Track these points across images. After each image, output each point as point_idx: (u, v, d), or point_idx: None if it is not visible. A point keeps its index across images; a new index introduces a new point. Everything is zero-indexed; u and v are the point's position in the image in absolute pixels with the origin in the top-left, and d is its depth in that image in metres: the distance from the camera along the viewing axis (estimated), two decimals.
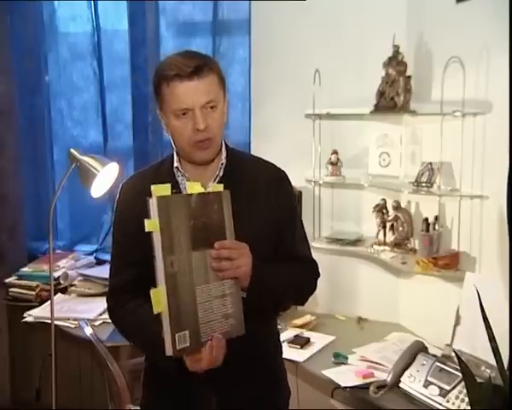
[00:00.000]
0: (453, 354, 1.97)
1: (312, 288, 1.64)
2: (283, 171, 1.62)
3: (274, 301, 1.54)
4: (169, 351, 1.29)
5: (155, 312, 1.28)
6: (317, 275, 1.65)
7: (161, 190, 1.31)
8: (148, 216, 1.30)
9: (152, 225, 1.28)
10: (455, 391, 1.86)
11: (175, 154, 1.54)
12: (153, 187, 1.31)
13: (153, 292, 1.28)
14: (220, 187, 1.39)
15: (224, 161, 1.54)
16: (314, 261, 1.65)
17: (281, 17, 2.80)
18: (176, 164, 1.52)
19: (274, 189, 1.56)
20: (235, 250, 1.37)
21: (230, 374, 1.45)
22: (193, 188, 1.37)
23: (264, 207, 1.52)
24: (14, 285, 3.21)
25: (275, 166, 1.62)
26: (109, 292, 1.59)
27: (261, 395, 1.55)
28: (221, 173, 1.53)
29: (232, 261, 1.36)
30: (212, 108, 1.43)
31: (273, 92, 2.86)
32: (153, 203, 1.28)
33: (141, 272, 1.43)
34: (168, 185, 1.33)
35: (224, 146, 1.55)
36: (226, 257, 1.35)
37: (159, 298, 1.28)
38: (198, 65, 1.41)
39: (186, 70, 1.40)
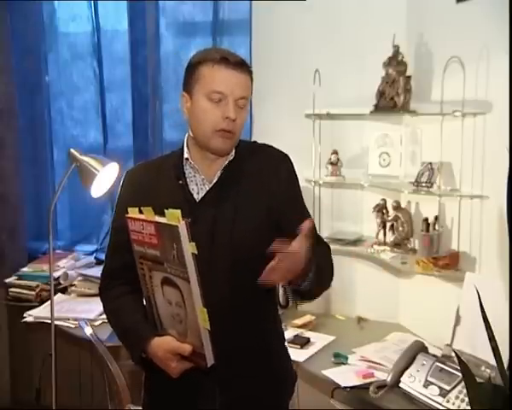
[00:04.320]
0: (453, 354, 1.98)
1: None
2: (286, 155, 1.61)
3: (320, 285, 1.53)
4: (211, 360, 1.36)
5: (205, 328, 1.33)
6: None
7: (173, 215, 1.30)
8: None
9: (192, 247, 1.30)
10: (455, 391, 1.86)
11: (185, 145, 1.55)
12: (166, 212, 1.31)
13: (201, 310, 1.32)
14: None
15: (232, 154, 1.55)
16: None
17: (281, 17, 2.81)
18: (186, 155, 1.54)
19: (276, 174, 1.56)
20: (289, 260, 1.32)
21: (233, 370, 1.46)
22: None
23: (266, 194, 1.53)
24: (14, 285, 3.21)
25: (278, 151, 1.62)
26: (102, 273, 1.64)
27: (264, 392, 1.55)
28: (225, 164, 1.53)
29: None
30: (241, 106, 1.48)
31: (273, 92, 2.86)
32: (182, 229, 1.28)
33: (133, 259, 1.45)
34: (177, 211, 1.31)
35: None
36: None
37: (205, 316, 1.32)
38: (243, 60, 1.49)
39: (234, 58, 1.47)
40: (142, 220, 1.37)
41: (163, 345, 1.42)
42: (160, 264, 1.37)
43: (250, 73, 1.52)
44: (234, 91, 1.45)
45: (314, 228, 1.48)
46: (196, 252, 1.30)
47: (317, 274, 1.41)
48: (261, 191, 1.53)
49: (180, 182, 1.52)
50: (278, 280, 1.36)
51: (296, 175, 1.62)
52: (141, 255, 1.42)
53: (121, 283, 1.56)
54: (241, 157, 1.56)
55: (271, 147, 1.62)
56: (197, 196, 1.52)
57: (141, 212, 1.38)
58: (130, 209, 1.41)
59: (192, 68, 1.50)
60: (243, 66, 1.48)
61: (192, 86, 1.49)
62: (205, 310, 1.32)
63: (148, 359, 1.46)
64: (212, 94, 1.45)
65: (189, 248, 1.29)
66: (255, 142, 1.68)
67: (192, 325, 1.37)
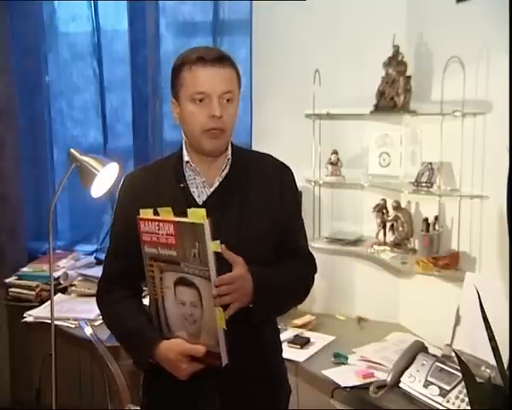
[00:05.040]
0: (453, 354, 1.98)
1: (311, 285, 1.64)
2: (288, 166, 1.63)
3: (277, 307, 1.55)
4: (225, 360, 1.37)
5: (221, 327, 1.35)
6: (315, 270, 1.66)
7: (197, 214, 1.32)
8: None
9: (215, 246, 1.32)
10: (455, 391, 1.86)
11: (184, 148, 1.55)
12: (189, 211, 1.33)
13: (218, 309, 1.35)
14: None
15: (229, 156, 1.55)
16: (311, 255, 1.66)
17: (281, 17, 2.81)
18: (186, 158, 1.53)
19: (279, 185, 1.57)
20: (233, 285, 1.37)
21: (231, 374, 1.45)
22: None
23: (270, 204, 1.54)
24: (14, 285, 3.21)
25: (280, 162, 1.63)
26: (101, 278, 1.63)
27: (261, 393, 1.55)
28: (227, 169, 1.54)
29: (232, 295, 1.36)
30: (228, 101, 1.46)
31: (273, 92, 2.87)
32: (206, 227, 1.30)
33: (134, 264, 1.46)
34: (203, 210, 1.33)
35: (229, 143, 1.56)
36: (226, 293, 1.36)
37: (222, 315, 1.35)
38: (221, 55, 1.46)
39: (210, 55, 1.44)
40: (159, 221, 1.37)
41: (175, 347, 1.41)
42: (176, 264, 1.38)
43: (232, 65, 1.48)
44: (216, 88, 1.43)
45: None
46: (219, 250, 1.32)
47: (267, 296, 1.44)
48: (266, 200, 1.54)
49: (181, 185, 1.52)
50: (228, 301, 1.37)
51: (297, 187, 1.66)
52: (152, 257, 1.42)
53: (121, 287, 1.55)
54: (243, 164, 1.56)
55: (273, 158, 1.63)
56: (198, 200, 1.52)
57: (156, 213, 1.38)
58: (142, 211, 1.40)
59: (174, 73, 1.50)
60: (222, 60, 1.45)
61: (177, 92, 1.49)
62: (221, 309, 1.35)
63: (154, 362, 1.45)
64: (194, 96, 1.44)
65: (212, 246, 1.31)
66: (257, 151, 1.69)
67: (208, 325, 1.37)
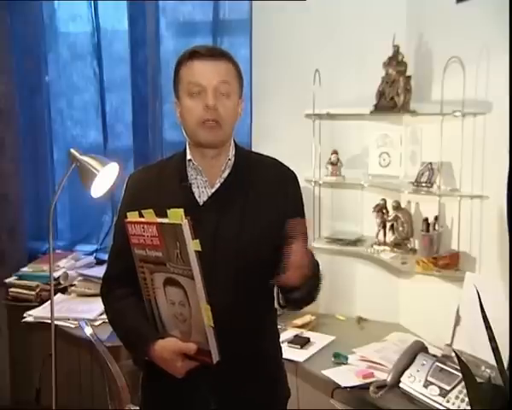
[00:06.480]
0: (453, 354, 1.98)
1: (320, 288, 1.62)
2: (292, 171, 1.62)
3: (311, 293, 1.53)
4: (217, 356, 1.38)
5: (208, 325, 1.35)
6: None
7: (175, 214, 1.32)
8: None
9: (195, 245, 1.32)
10: (455, 391, 1.86)
11: (187, 147, 1.56)
12: (169, 212, 1.33)
13: (205, 307, 1.34)
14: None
15: (231, 157, 1.55)
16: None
17: (281, 17, 2.81)
18: (189, 156, 1.54)
19: (282, 189, 1.56)
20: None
21: (229, 374, 1.45)
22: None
23: (272, 205, 1.53)
24: (14, 285, 3.21)
25: (283, 165, 1.62)
26: (105, 277, 1.64)
27: (259, 396, 1.55)
28: (228, 169, 1.54)
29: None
30: (224, 94, 1.46)
31: (273, 92, 2.86)
32: (185, 227, 1.30)
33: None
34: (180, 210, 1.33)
35: (232, 143, 1.56)
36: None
37: (209, 313, 1.35)
38: (217, 50, 1.50)
39: (206, 49, 1.47)
40: (143, 223, 1.38)
41: (168, 346, 1.42)
42: (163, 265, 1.39)
43: (229, 60, 1.50)
44: (211, 80, 1.45)
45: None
46: (200, 249, 1.32)
47: (312, 283, 1.45)
48: (268, 202, 1.53)
49: (183, 184, 1.52)
50: (297, 279, 1.38)
51: (302, 195, 1.64)
52: (141, 258, 1.43)
53: (123, 285, 1.56)
54: (245, 165, 1.56)
55: (278, 161, 1.63)
56: (199, 200, 1.52)
57: (141, 215, 1.39)
58: (129, 214, 1.41)
59: (174, 73, 1.52)
60: (218, 54, 1.48)
61: (178, 91, 1.51)
62: (209, 307, 1.34)
63: (150, 361, 1.46)
64: (190, 88, 1.46)
65: (192, 245, 1.31)
66: (262, 154, 1.68)
67: (196, 323, 1.38)
